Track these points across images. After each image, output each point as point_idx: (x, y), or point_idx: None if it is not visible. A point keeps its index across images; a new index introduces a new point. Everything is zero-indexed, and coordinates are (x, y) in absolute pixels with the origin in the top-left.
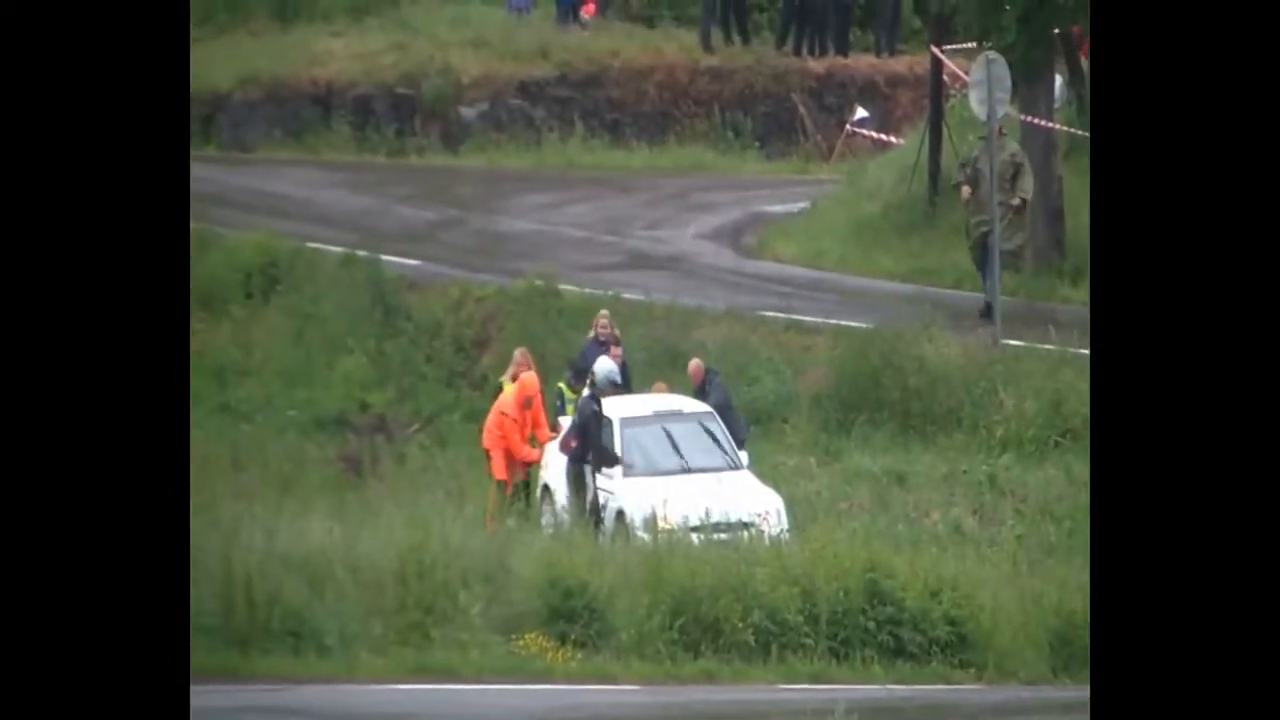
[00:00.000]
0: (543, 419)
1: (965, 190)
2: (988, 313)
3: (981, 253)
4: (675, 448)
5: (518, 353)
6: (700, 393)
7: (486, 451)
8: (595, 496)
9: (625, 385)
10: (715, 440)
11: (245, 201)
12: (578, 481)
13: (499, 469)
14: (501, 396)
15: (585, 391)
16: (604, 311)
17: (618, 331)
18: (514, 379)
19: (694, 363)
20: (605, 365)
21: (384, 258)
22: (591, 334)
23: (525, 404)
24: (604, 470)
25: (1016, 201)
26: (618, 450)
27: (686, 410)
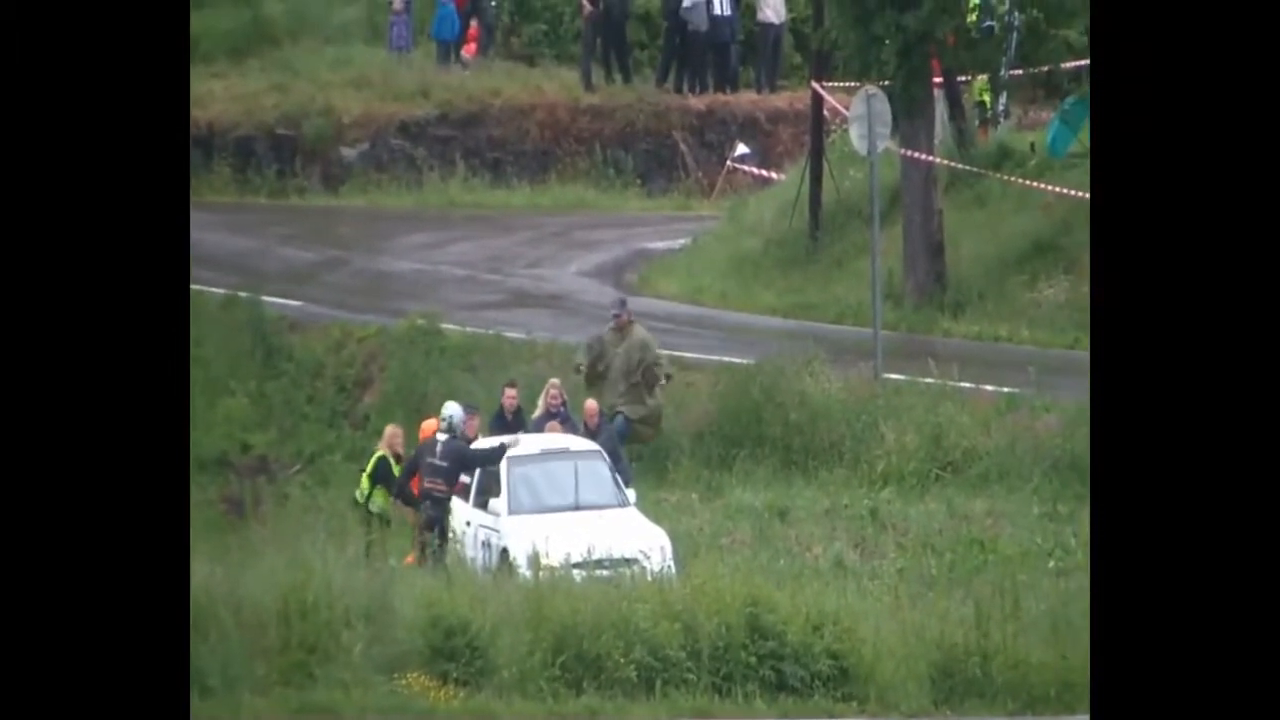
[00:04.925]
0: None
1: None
2: None
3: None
4: (562, 486)
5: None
6: (592, 433)
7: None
8: (442, 524)
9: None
10: (603, 478)
11: None
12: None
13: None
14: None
15: (442, 435)
16: (554, 381)
17: (565, 398)
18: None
19: (589, 403)
20: (452, 407)
21: (265, 299)
22: (541, 407)
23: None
24: (486, 505)
25: (644, 412)
26: (503, 489)
27: (574, 449)
